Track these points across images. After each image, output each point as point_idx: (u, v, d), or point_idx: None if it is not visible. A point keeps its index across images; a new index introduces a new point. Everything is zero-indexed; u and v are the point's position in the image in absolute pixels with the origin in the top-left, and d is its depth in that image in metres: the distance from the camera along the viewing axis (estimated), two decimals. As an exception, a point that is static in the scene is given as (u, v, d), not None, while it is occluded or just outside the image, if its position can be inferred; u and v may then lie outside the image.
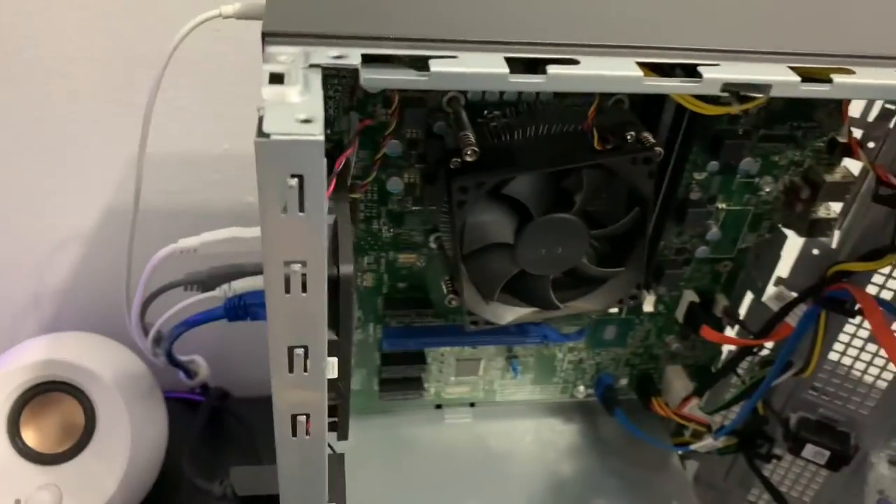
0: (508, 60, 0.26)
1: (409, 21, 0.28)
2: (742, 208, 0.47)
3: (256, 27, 0.53)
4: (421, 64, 0.26)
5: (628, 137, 0.38)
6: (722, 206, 0.47)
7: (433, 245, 0.46)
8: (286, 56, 0.25)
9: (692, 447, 0.52)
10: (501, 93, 0.40)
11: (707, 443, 0.51)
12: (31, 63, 0.53)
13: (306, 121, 0.22)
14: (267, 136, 0.21)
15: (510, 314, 0.42)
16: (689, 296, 0.51)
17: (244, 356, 0.69)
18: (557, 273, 0.41)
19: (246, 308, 0.44)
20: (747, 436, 0.54)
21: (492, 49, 0.27)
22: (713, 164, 0.44)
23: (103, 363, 0.54)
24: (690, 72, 0.29)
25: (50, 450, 0.53)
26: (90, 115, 0.55)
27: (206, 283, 0.45)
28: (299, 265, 0.24)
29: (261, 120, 0.22)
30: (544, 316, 0.43)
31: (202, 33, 0.41)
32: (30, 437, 0.53)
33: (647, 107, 0.41)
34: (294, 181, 0.22)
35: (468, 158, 0.36)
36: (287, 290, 0.25)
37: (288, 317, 0.26)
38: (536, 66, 0.27)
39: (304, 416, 0.29)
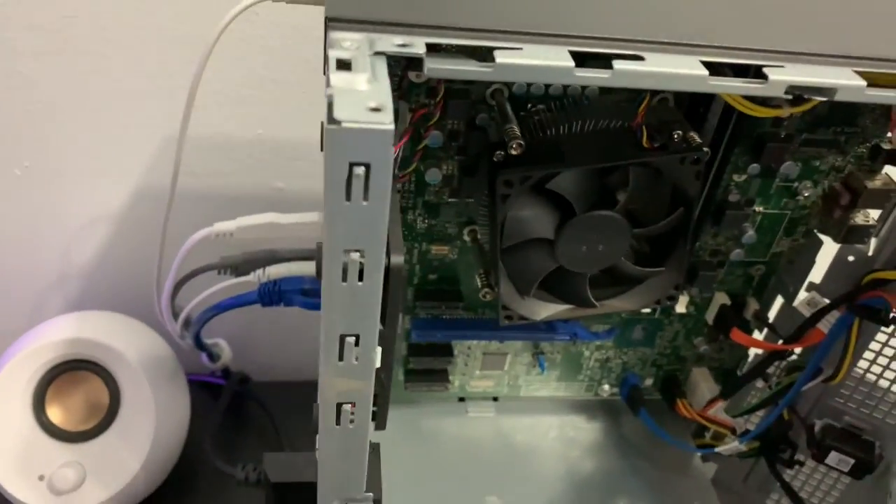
0: (573, 54, 0.26)
1: (472, 10, 0.28)
2: (779, 212, 0.47)
3: (294, 12, 0.52)
4: (485, 55, 0.26)
5: (675, 136, 0.38)
6: (759, 209, 0.46)
7: (467, 238, 0.45)
8: (350, 42, 0.25)
9: (718, 450, 0.52)
10: (547, 86, 0.39)
11: (732, 446, 0.51)
12: (68, 41, 0.52)
13: (376, 109, 0.22)
14: (338, 122, 0.21)
15: (545, 310, 0.42)
16: (721, 298, 0.51)
17: (265, 341, 0.69)
18: (596, 271, 0.41)
19: (280, 294, 0.43)
20: (770, 440, 0.54)
21: (555, 42, 0.27)
22: (754, 167, 0.44)
23: (129, 343, 0.54)
24: (747, 72, 0.29)
25: (74, 428, 0.53)
26: (125, 96, 0.55)
27: (240, 267, 0.45)
28: (358, 254, 0.24)
29: (330, 106, 0.22)
30: (579, 313, 0.42)
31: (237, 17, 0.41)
32: (55, 414, 0.53)
33: (691, 105, 0.41)
34: (361, 170, 0.22)
35: (513, 152, 0.36)
36: (344, 279, 0.25)
37: (343, 305, 0.25)
38: (600, 61, 0.27)
39: (350, 405, 0.28)
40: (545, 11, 0.29)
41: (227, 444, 0.61)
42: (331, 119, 0.21)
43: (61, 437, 0.53)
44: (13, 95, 0.54)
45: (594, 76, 0.26)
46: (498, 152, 0.37)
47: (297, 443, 0.63)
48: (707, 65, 0.27)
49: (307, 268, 0.44)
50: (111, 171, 0.58)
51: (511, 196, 0.37)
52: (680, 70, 0.26)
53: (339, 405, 0.28)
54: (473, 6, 0.28)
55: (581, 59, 0.26)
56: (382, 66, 0.24)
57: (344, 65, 0.24)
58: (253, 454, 0.62)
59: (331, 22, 0.26)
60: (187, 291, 0.48)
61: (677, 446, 0.54)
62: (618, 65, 0.26)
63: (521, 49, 0.26)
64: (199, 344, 0.53)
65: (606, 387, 0.56)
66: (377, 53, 0.25)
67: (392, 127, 0.22)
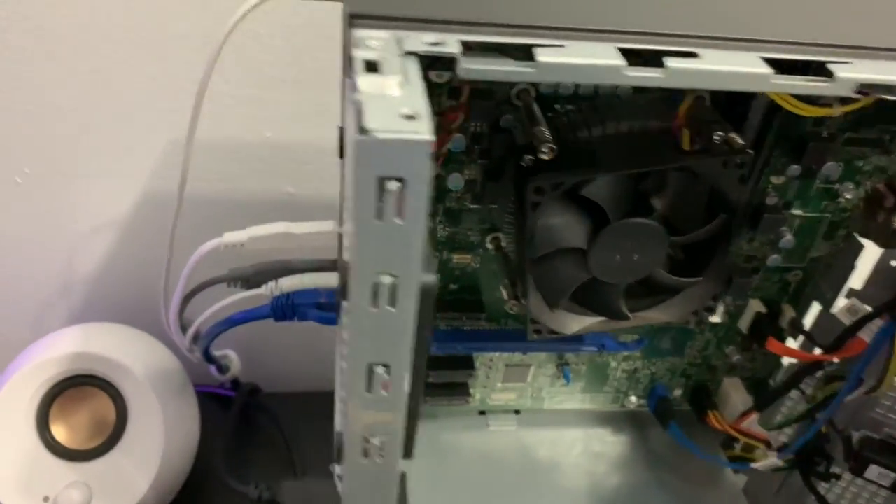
0: (622, 51, 0.24)
1: (506, 4, 0.25)
2: (819, 215, 0.44)
3: (303, 8, 0.50)
4: (523, 53, 0.24)
5: (716, 138, 0.35)
6: (797, 212, 0.44)
7: (490, 246, 0.43)
8: (376, 41, 0.23)
9: (754, 465, 0.50)
10: (576, 85, 0.37)
11: (770, 461, 0.49)
12: (70, 43, 0.50)
13: (411, 117, 0.20)
14: (368, 132, 0.19)
15: (576, 324, 0.40)
16: (755, 306, 0.48)
17: (276, 351, 0.66)
18: (630, 281, 0.38)
19: (294, 308, 0.41)
20: (805, 453, 0.51)
21: (599, 38, 0.24)
22: (794, 168, 0.41)
23: (136, 357, 0.52)
24: (798, 68, 0.26)
25: (80, 446, 0.51)
26: (128, 99, 0.53)
27: (251, 279, 0.42)
28: (390, 277, 0.22)
29: (359, 114, 0.20)
30: (612, 326, 0.40)
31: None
32: (59, 432, 0.51)
33: (729, 104, 0.39)
34: (395, 185, 0.20)
35: (544, 157, 0.34)
36: (374, 304, 0.22)
37: (372, 332, 0.23)
38: (650, 58, 0.24)
39: (378, 439, 0.26)
40: (587, 5, 0.26)
41: (237, 460, 0.59)
42: (360, 128, 0.19)
43: (66, 456, 0.51)
44: (13, 98, 0.52)
45: (646, 76, 0.24)
46: (527, 156, 0.35)
47: (309, 457, 0.61)
48: (777, 63, 0.25)
49: (321, 279, 0.42)
50: (115, 176, 0.56)
51: (542, 204, 0.34)
52: (740, 68, 0.24)
53: (366, 438, 0.26)
54: (511, 4, 0.25)
55: (645, 58, 0.23)
56: (415, 68, 0.22)
57: (372, 67, 0.21)
58: (264, 469, 0.60)
59: (354, 19, 0.23)
60: (196, 303, 0.46)
61: (709, 461, 0.52)
62: (671, 63, 0.24)
63: (563, 46, 0.24)
64: (209, 357, 0.51)
65: (633, 398, 0.54)
66: (407, 53, 0.22)
67: (431, 137, 0.19)
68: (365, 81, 0.21)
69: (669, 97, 0.37)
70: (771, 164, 0.41)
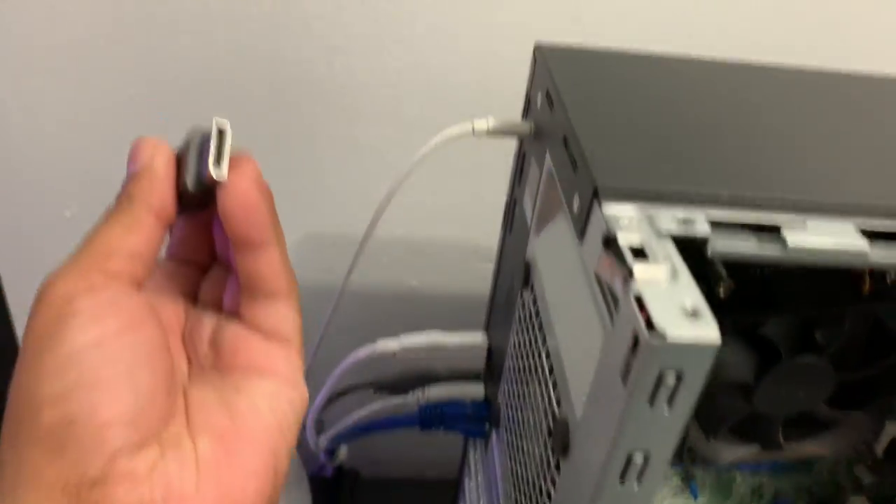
0: (862, 232, 0.24)
1: (750, 181, 0.26)
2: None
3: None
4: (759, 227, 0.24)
5: (888, 279, 0.35)
6: (946, 340, 0.43)
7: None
8: (627, 220, 0.23)
9: None
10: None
11: None
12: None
13: (694, 313, 0.20)
14: (662, 336, 0.19)
15: (730, 454, 0.39)
16: (892, 429, 0.47)
17: (377, 439, 0.67)
18: (791, 413, 0.38)
19: (443, 418, 0.41)
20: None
21: (838, 216, 0.25)
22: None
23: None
24: None
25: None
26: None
27: (396, 385, 0.43)
28: (642, 455, 0.22)
29: (642, 309, 0.20)
30: (766, 457, 0.40)
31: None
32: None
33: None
34: (672, 377, 0.20)
35: (721, 295, 0.34)
36: (622, 480, 0.23)
37: (611, 504, 0.23)
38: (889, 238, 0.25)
39: None
40: (825, 181, 0.27)
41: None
42: (650, 328, 0.20)
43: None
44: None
45: (891, 262, 0.24)
46: (698, 291, 0.35)
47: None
48: None
49: (467, 390, 0.42)
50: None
51: (718, 341, 0.34)
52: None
53: None
54: (752, 175, 0.26)
55: (883, 237, 0.24)
56: (675, 252, 0.22)
57: (638, 252, 0.22)
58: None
59: (600, 192, 0.24)
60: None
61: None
62: (916, 247, 0.24)
63: (804, 225, 0.24)
64: (330, 451, 0.51)
65: (755, 513, 0.53)
66: (662, 235, 0.23)
67: (718, 339, 0.20)
68: (639, 270, 0.21)
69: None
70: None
